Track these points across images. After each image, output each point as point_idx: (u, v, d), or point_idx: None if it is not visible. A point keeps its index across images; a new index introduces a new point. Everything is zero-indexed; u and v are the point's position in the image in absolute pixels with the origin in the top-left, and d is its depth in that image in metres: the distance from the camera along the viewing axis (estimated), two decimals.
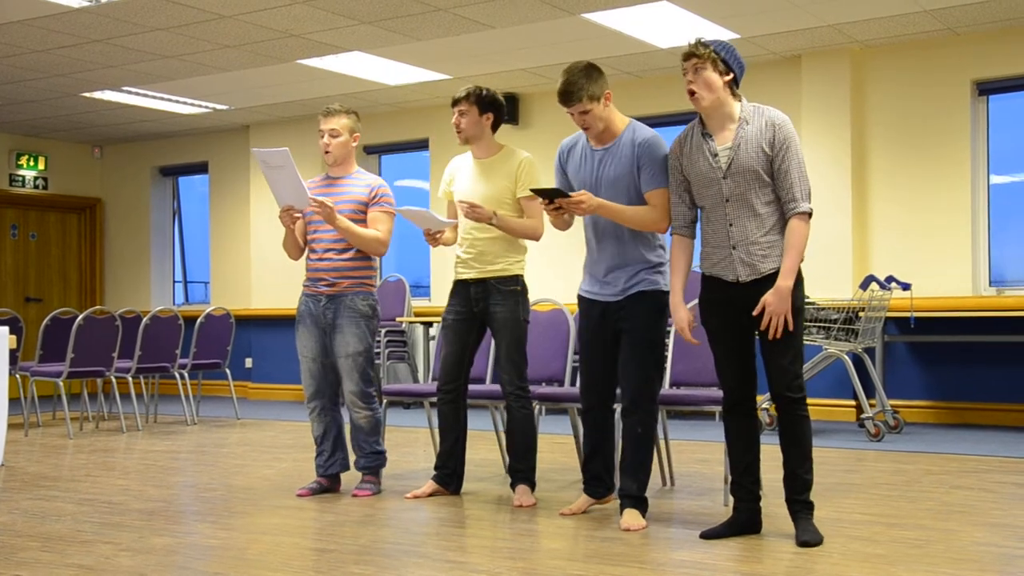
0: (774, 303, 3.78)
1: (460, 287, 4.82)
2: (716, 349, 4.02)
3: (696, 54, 3.86)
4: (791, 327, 3.81)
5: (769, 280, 3.84)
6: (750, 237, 3.86)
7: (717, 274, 3.94)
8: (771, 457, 4.12)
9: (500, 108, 4.80)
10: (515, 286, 4.75)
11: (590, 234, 4.39)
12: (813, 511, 3.94)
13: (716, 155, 3.89)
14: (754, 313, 3.83)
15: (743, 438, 4.01)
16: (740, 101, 3.93)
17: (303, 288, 5.14)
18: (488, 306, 4.74)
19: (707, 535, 3.98)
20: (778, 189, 3.86)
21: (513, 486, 4.82)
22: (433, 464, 5.02)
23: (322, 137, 5.11)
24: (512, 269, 4.75)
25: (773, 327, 3.79)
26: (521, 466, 4.82)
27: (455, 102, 4.77)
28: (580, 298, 4.45)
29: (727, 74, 3.87)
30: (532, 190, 4.36)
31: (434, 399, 5.56)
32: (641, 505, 4.27)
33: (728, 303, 3.92)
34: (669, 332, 5.20)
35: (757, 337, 3.95)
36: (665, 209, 4.14)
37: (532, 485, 4.81)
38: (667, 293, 4.23)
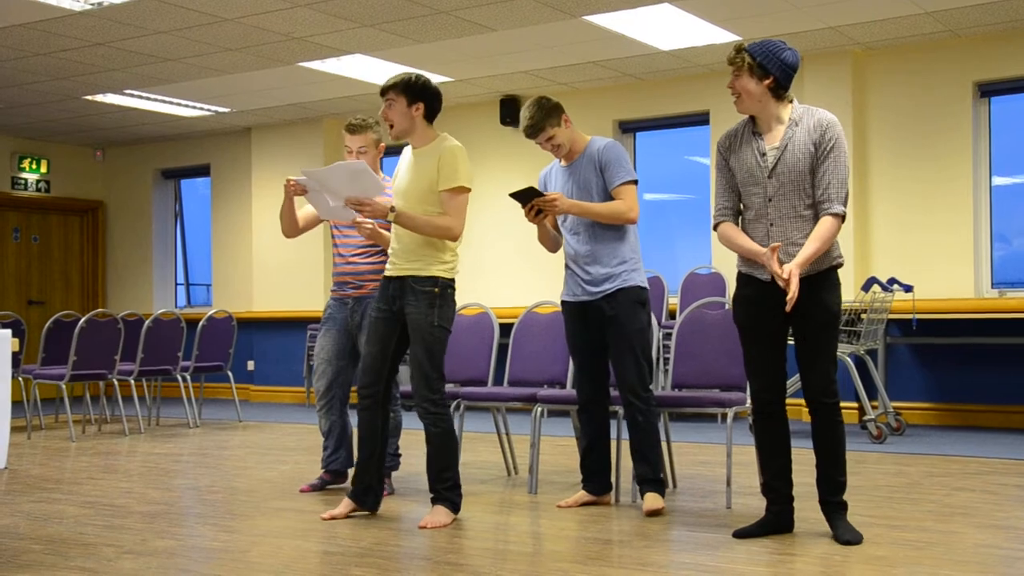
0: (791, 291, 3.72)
1: (383, 284, 4.49)
2: (747, 349, 4.02)
3: (732, 62, 3.88)
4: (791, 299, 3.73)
5: (806, 282, 3.80)
6: (791, 238, 3.84)
7: (754, 272, 3.93)
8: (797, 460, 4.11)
9: (432, 97, 4.42)
10: (432, 287, 4.32)
11: (567, 241, 4.69)
12: (847, 511, 3.97)
13: (764, 154, 3.88)
14: (782, 283, 3.73)
15: (774, 441, 4.01)
16: (791, 103, 3.93)
17: (331, 292, 5.23)
18: (403, 306, 4.37)
19: (739, 534, 4.00)
20: (815, 187, 3.83)
21: (433, 503, 4.45)
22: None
23: (350, 153, 5.07)
24: (430, 270, 4.33)
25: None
26: (437, 486, 4.41)
27: (383, 92, 4.41)
28: (563, 303, 4.76)
29: (766, 79, 3.85)
30: (510, 194, 4.47)
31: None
32: (659, 487, 4.55)
33: (763, 302, 3.90)
34: (671, 335, 5.22)
35: (791, 342, 3.97)
36: (632, 201, 4.53)
37: (453, 506, 4.42)
38: (643, 288, 4.61)
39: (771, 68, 3.85)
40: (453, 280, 4.42)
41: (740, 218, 4.02)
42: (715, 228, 4.04)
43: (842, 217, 3.82)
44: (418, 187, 4.38)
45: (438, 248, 4.36)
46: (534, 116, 4.60)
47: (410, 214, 4.32)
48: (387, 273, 4.49)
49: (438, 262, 4.36)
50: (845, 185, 3.84)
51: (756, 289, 3.93)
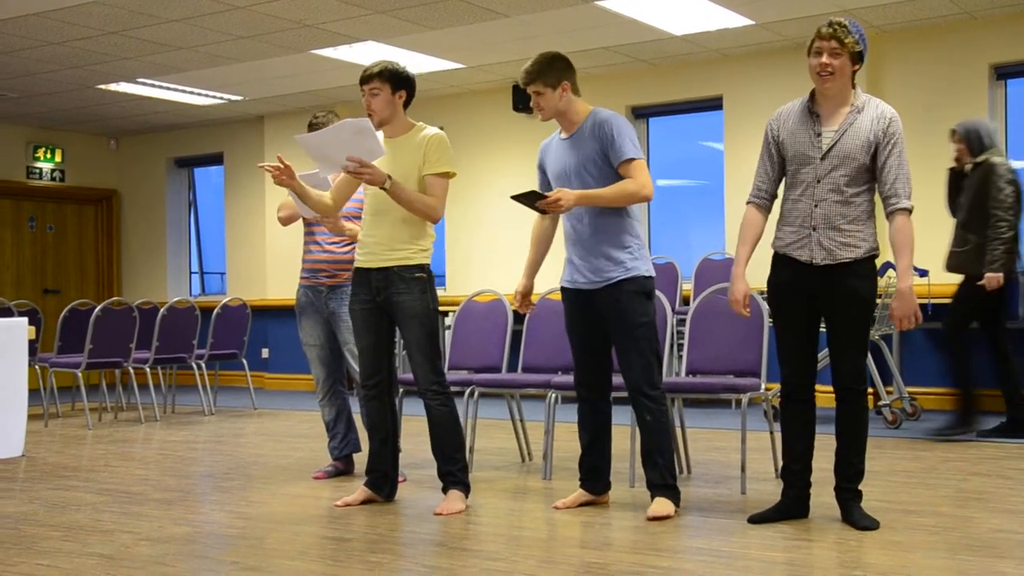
0: (898, 308, 3.77)
1: (361, 275, 4.46)
2: (780, 333, 4.01)
3: (841, 41, 3.79)
4: (919, 319, 3.79)
5: (843, 268, 3.81)
6: (834, 222, 3.83)
7: (790, 253, 3.90)
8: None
9: (412, 85, 4.45)
10: (420, 274, 4.37)
11: (567, 224, 4.38)
12: (861, 500, 3.96)
13: (820, 135, 3.86)
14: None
15: (799, 425, 4.00)
16: (855, 88, 3.92)
17: (301, 280, 5.29)
18: (390, 296, 4.38)
19: (754, 519, 4.00)
20: (880, 183, 3.85)
21: (445, 490, 4.44)
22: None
23: None
24: (416, 258, 4.37)
25: (904, 328, 3.80)
26: (450, 468, 4.42)
27: (366, 80, 4.36)
28: (563, 289, 4.43)
29: (857, 64, 3.85)
30: (512, 197, 4.22)
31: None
32: (669, 493, 4.22)
33: (798, 285, 3.89)
34: (685, 320, 5.21)
35: (823, 330, 3.96)
36: (643, 177, 4.18)
37: (465, 488, 4.44)
38: (649, 278, 4.27)
39: (864, 55, 3.86)
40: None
41: (777, 199, 3.99)
42: (747, 204, 4.03)
43: (911, 211, 3.84)
44: (395, 173, 4.30)
45: (418, 236, 4.40)
46: (532, 67, 4.27)
47: (404, 186, 4.29)
48: (365, 265, 4.43)
49: (420, 250, 4.41)
50: (909, 178, 3.86)
51: (791, 274, 3.91)
